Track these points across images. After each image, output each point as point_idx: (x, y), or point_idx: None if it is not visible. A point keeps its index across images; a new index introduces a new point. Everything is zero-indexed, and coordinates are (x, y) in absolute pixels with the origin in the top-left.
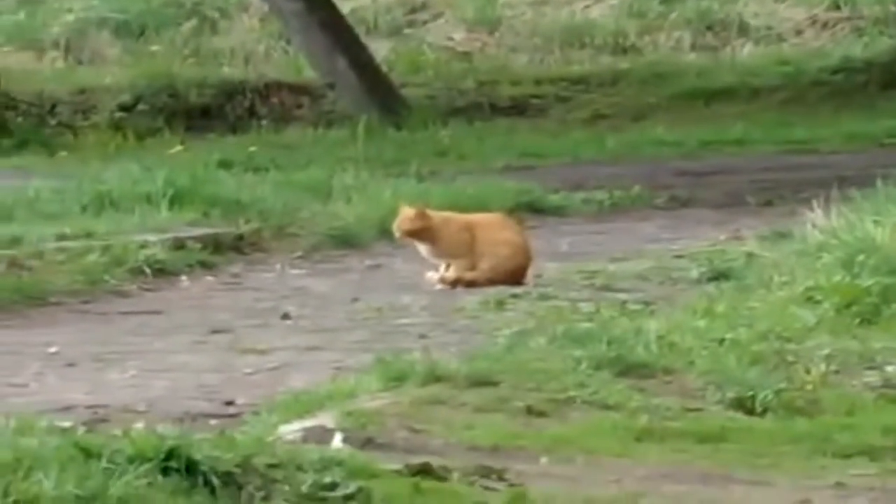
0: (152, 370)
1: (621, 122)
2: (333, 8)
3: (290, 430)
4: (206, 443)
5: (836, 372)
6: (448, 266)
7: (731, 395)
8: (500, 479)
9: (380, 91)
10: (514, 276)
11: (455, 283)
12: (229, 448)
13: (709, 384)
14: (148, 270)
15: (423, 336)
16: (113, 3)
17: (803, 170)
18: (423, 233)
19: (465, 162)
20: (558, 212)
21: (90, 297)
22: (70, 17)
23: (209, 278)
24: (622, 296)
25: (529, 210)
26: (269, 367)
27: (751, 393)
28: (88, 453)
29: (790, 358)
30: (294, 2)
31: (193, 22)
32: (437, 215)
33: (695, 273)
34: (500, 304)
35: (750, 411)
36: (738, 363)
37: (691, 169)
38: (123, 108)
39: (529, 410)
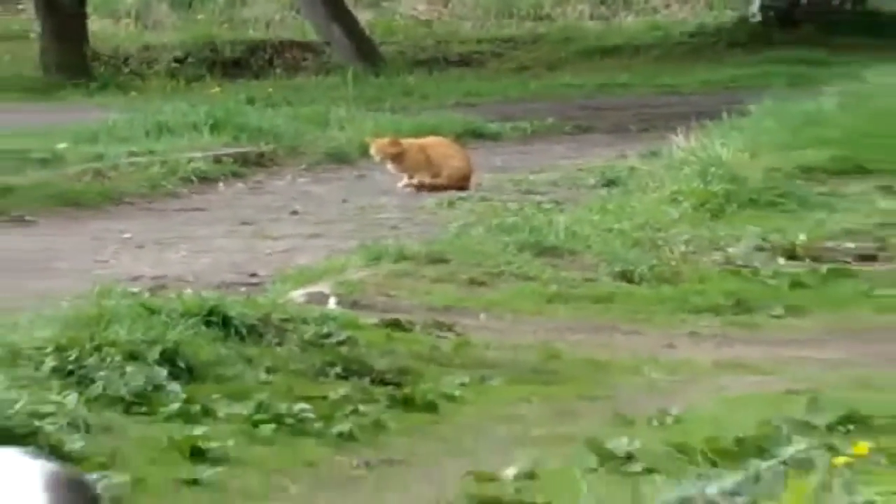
0: (197, 251)
1: (539, 71)
2: None
3: (297, 294)
4: (236, 303)
5: (693, 252)
6: (411, 176)
7: (617, 269)
8: (450, 330)
9: (363, 49)
10: (461, 183)
11: (419, 188)
12: (253, 307)
13: (601, 261)
14: (194, 178)
15: (394, 227)
16: None
17: (670, 106)
18: (394, 155)
19: (426, 100)
20: (494, 137)
21: (152, 198)
22: None
23: (239, 184)
24: (539, 197)
25: (473, 135)
26: (282, 250)
27: (631, 268)
28: (151, 310)
29: (660, 242)
30: None
31: None
32: (403, 141)
33: (591, 181)
34: (451, 204)
35: (630, 281)
36: (622, 246)
37: (590, 105)
38: (177, 60)
39: (472, 281)
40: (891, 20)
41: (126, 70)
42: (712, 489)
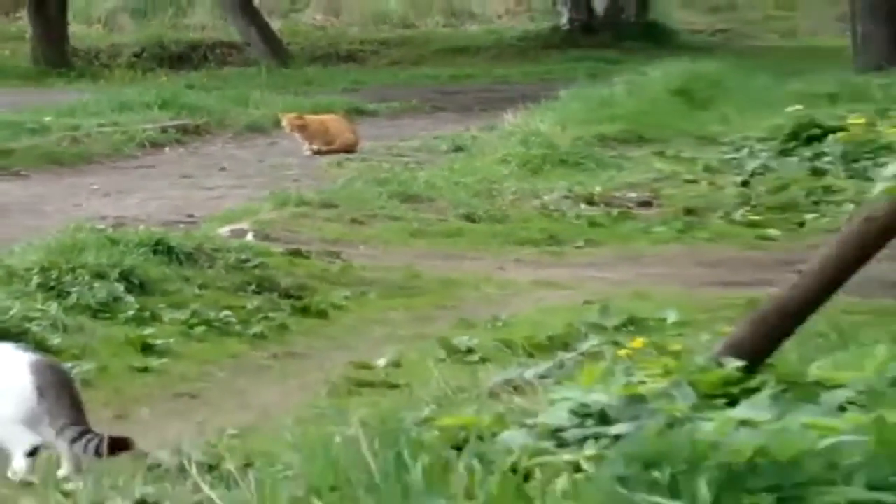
0: (149, 198)
1: (406, 66)
2: (250, 1)
3: (223, 230)
4: (177, 236)
5: (518, 199)
6: (311, 143)
7: (462, 212)
8: (337, 257)
9: (275, 48)
10: (349, 149)
11: (317, 152)
12: (190, 240)
13: (450, 206)
14: (147, 144)
15: (297, 180)
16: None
17: (503, 92)
18: (299, 127)
19: (322, 87)
20: (372, 114)
21: (116, 158)
22: (108, 5)
23: (181, 149)
24: (405, 159)
25: (356, 112)
26: (213, 197)
27: (473, 211)
28: (113, 241)
29: (494, 192)
30: None
31: (174, 8)
32: (306, 117)
33: (444, 147)
34: (340, 164)
35: (472, 220)
36: (466, 195)
37: (443, 91)
38: (135, 55)
39: (354, 220)
40: (665, 29)
41: (97, 63)
42: (529, 373)
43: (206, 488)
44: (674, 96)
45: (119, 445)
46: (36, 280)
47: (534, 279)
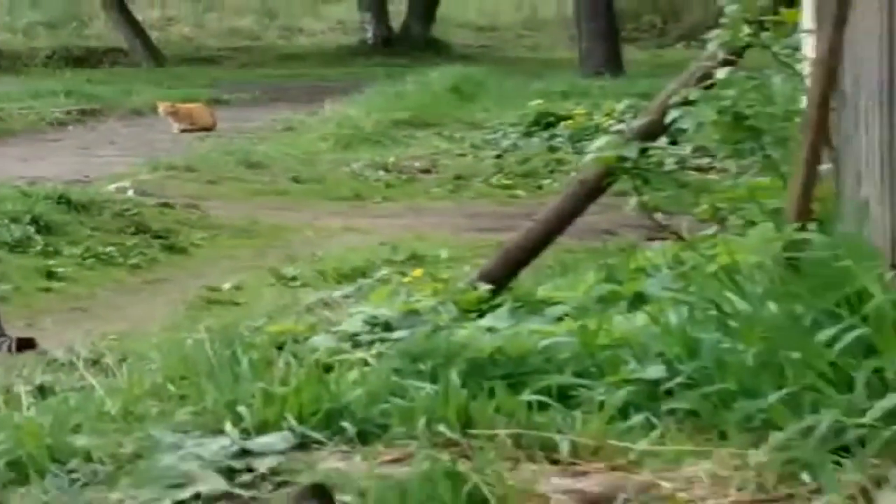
0: (55, 163)
1: (253, 67)
2: (130, 13)
3: (111, 187)
4: (76, 191)
5: (333, 167)
6: (181, 124)
7: (290, 176)
8: (196, 209)
9: (153, 52)
10: (209, 128)
11: (184, 131)
12: (85, 194)
13: (282, 171)
14: (55, 123)
15: (168, 151)
16: (42, 13)
17: (323, 88)
18: (171, 113)
19: (189, 82)
20: (226, 102)
21: (32, 134)
22: (28, 18)
23: (80, 127)
24: (250, 136)
25: (215, 102)
26: (104, 163)
27: (298, 175)
28: (27, 195)
29: (314, 161)
30: (117, 13)
31: (78, 21)
32: (176, 105)
33: (279, 127)
34: (201, 140)
35: (298, 182)
36: (295, 162)
37: (280, 86)
38: (48, 57)
39: (209, 181)
40: (444, 43)
41: (19, 63)
42: (336, 294)
43: (89, 377)
44: (449, 92)
45: (25, 345)
46: None
47: (343, 226)
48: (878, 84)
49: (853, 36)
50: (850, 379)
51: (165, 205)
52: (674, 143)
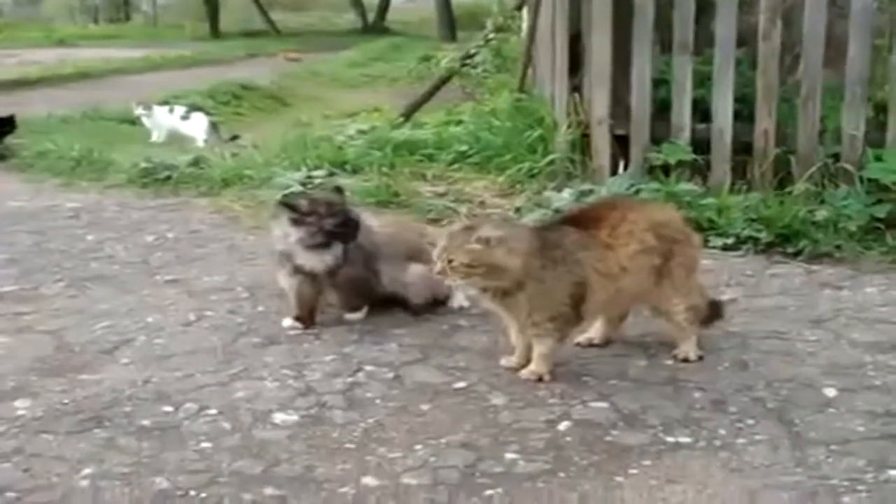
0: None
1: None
2: None
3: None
4: (248, 83)
5: (346, 75)
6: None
7: (330, 78)
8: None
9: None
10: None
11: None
12: (252, 83)
13: (327, 77)
14: None
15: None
16: None
17: (342, 45)
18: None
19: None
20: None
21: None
22: None
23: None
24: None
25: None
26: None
27: (334, 78)
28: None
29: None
30: None
31: None
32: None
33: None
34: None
35: (335, 80)
36: (334, 74)
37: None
38: None
39: (297, 79)
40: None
41: None
42: (344, 121)
43: (251, 150)
44: (389, 48)
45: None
46: None
47: (347, 96)
48: (546, 35)
49: (541, 15)
50: (536, 148)
51: (280, 88)
52: (475, 66)
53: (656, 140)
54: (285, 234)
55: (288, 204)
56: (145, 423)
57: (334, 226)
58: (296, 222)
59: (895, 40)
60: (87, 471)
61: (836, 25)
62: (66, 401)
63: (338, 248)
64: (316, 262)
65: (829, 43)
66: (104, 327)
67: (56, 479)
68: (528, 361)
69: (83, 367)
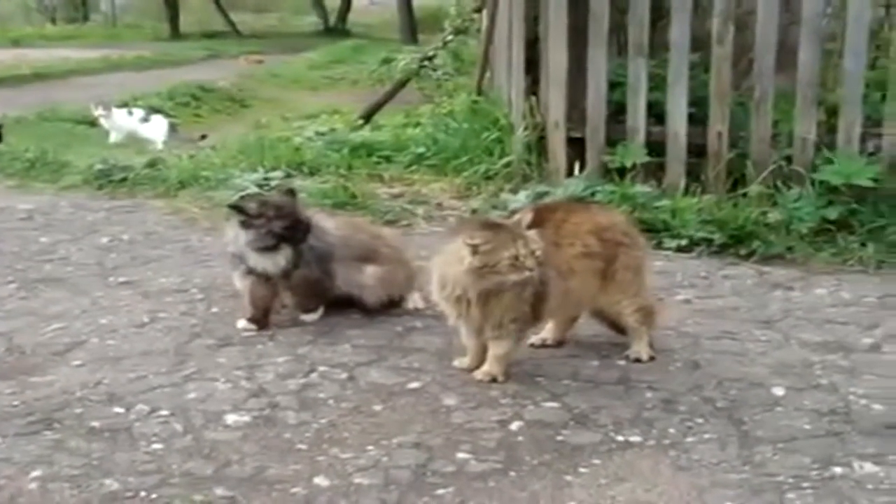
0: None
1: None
2: None
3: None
4: (207, 85)
5: (307, 76)
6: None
7: (291, 80)
8: (253, 90)
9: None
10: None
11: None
12: (212, 85)
13: (288, 79)
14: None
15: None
16: None
17: (304, 47)
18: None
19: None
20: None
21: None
22: None
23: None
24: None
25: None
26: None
27: (294, 79)
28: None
29: None
30: None
31: None
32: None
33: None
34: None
35: (295, 82)
36: (294, 76)
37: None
38: None
39: (257, 82)
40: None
41: None
42: (303, 122)
43: (208, 150)
44: (351, 49)
45: (201, 137)
46: None
47: (308, 98)
48: (503, 38)
49: (498, 19)
50: (493, 150)
51: (240, 90)
52: (434, 69)
53: (612, 142)
54: (236, 236)
55: (237, 206)
56: (96, 424)
57: (283, 228)
58: (245, 225)
59: (846, 45)
60: (35, 473)
61: (790, 31)
62: (15, 403)
63: (287, 251)
64: (268, 264)
65: (782, 48)
66: (56, 329)
67: (4, 482)
68: (481, 363)
69: (34, 369)
